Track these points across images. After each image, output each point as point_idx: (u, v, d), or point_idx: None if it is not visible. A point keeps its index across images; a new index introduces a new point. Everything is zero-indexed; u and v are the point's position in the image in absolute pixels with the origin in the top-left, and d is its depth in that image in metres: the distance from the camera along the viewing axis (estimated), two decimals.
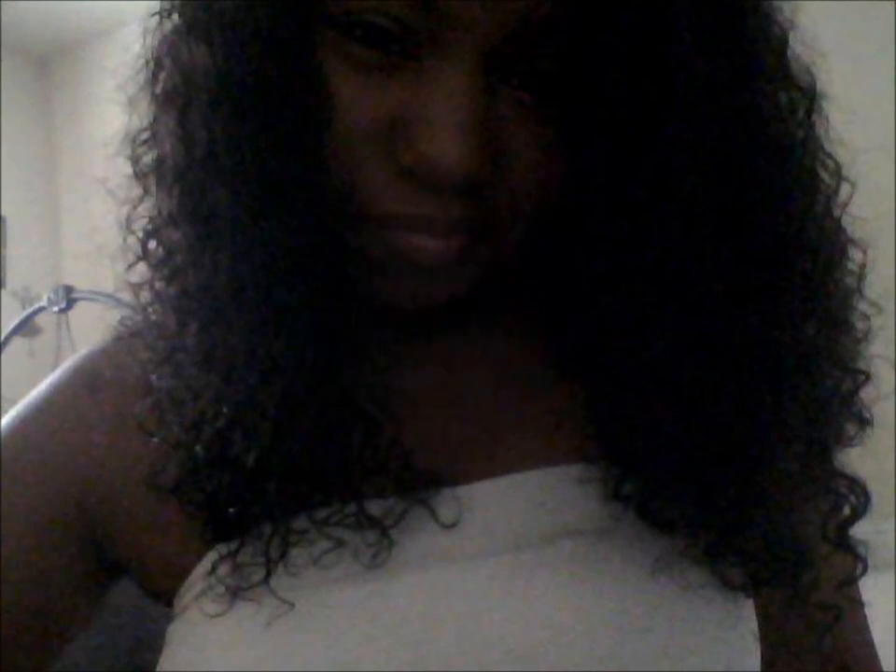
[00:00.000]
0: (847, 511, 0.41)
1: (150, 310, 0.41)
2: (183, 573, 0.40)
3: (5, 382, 2.03)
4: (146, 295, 0.40)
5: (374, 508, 0.38)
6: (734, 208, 0.34)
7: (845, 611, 0.43)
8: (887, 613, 1.19)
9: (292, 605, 0.36)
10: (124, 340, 0.44)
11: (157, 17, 0.37)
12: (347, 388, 0.37)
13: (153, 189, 0.38)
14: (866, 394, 0.40)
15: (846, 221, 0.38)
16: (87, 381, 0.44)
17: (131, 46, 0.38)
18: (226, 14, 0.33)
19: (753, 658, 0.39)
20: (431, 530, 0.38)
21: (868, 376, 0.40)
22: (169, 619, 0.41)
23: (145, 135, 0.38)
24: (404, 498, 0.38)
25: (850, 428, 0.40)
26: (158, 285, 0.39)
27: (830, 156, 0.38)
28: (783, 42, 0.36)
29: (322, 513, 0.38)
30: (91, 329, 0.51)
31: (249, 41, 0.33)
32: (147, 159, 0.38)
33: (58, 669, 0.44)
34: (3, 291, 4.04)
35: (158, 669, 0.40)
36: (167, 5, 0.37)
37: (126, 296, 0.41)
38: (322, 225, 0.34)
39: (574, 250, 0.38)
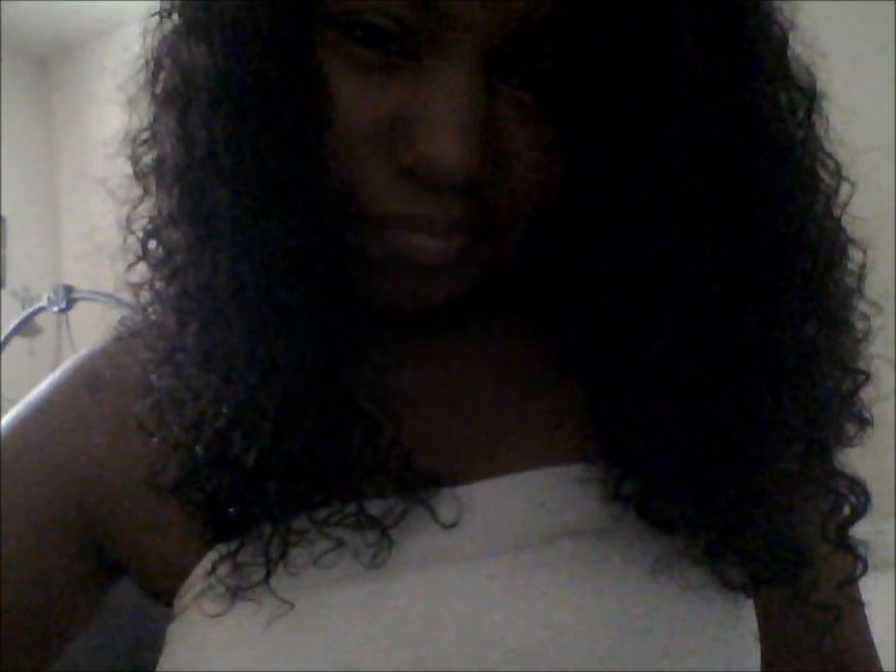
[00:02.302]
0: (847, 511, 0.41)
1: (150, 310, 0.41)
2: (183, 573, 0.40)
3: (5, 382, 2.03)
4: (146, 295, 0.40)
5: (374, 508, 0.38)
6: (734, 208, 0.34)
7: (845, 611, 0.43)
8: (887, 613, 1.19)
9: (292, 605, 0.36)
10: (124, 340, 0.44)
11: (157, 17, 0.37)
12: (347, 388, 0.37)
13: (153, 189, 0.38)
14: (866, 394, 0.40)
15: (846, 221, 0.38)
16: (87, 381, 0.44)
17: (131, 46, 0.38)
18: (226, 14, 0.33)
19: (753, 658, 0.39)
20: (431, 530, 0.38)
21: (868, 376, 0.40)
22: (169, 619, 0.41)
23: (145, 135, 0.38)
24: (404, 498, 0.38)
25: (850, 428, 0.40)
26: (158, 285, 0.39)
27: (830, 156, 0.38)
28: (783, 42, 0.36)
29: (322, 513, 0.38)
30: (91, 329, 0.51)
31: (249, 41, 0.33)
32: (147, 159, 0.38)
33: (58, 669, 0.44)
34: (3, 291, 4.04)
35: (158, 669, 0.40)
36: (167, 5, 0.37)
37: (126, 296, 0.41)
38: (322, 225, 0.34)
39: (574, 250, 0.38)
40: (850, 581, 0.44)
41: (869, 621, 0.48)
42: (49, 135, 4.40)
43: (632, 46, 0.32)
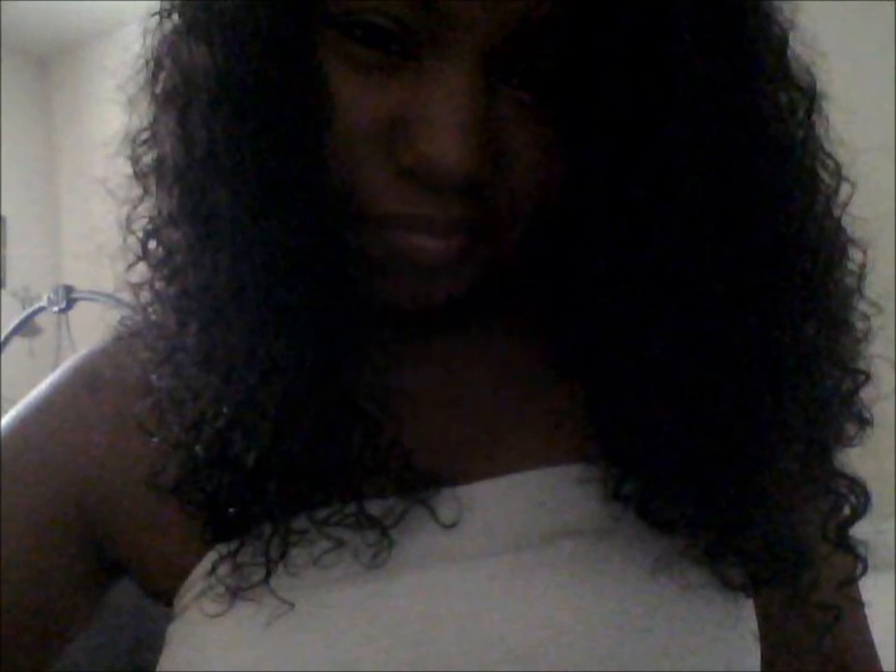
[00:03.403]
0: (847, 511, 0.41)
1: (150, 310, 0.41)
2: (183, 573, 0.40)
3: (5, 382, 2.03)
4: (146, 295, 0.40)
5: (374, 508, 0.38)
6: (734, 208, 0.34)
7: (845, 611, 0.43)
8: (887, 613, 1.19)
9: (292, 605, 0.36)
10: (124, 340, 0.44)
11: (157, 17, 0.37)
12: (347, 388, 0.37)
13: (153, 189, 0.38)
14: (866, 394, 0.40)
15: (846, 221, 0.38)
16: (87, 381, 0.44)
17: (131, 46, 0.38)
18: (226, 14, 0.33)
19: (753, 658, 0.39)
20: (431, 530, 0.38)
21: (868, 376, 0.40)
22: (169, 619, 0.41)
23: (145, 135, 0.38)
24: (404, 498, 0.38)
25: (850, 428, 0.40)
26: (158, 285, 0.39)
27: (830, 156, 0.38)
28: (783, 42, 0.36)
29: (322, 513, 0.38)
30: (91, 329, 0.51)
31: (249, 41, 0.33)
32: (147, 159, 0.38)
33: (58, 669, 0.44)
34: (3, 291, 4.04)
35: (158, 669, 0.40)
36: (167, 5, 0.37)
37: (126, 296, 0.41)
38: (322, 225, 0.34)
39: (574, 250, 0.38)
40: (850, 581, 0.44)
41: (869, 621, 0.48)
42: (49, 135, 4.39)
43: (632, 46, 0.32)
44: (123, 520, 0.42)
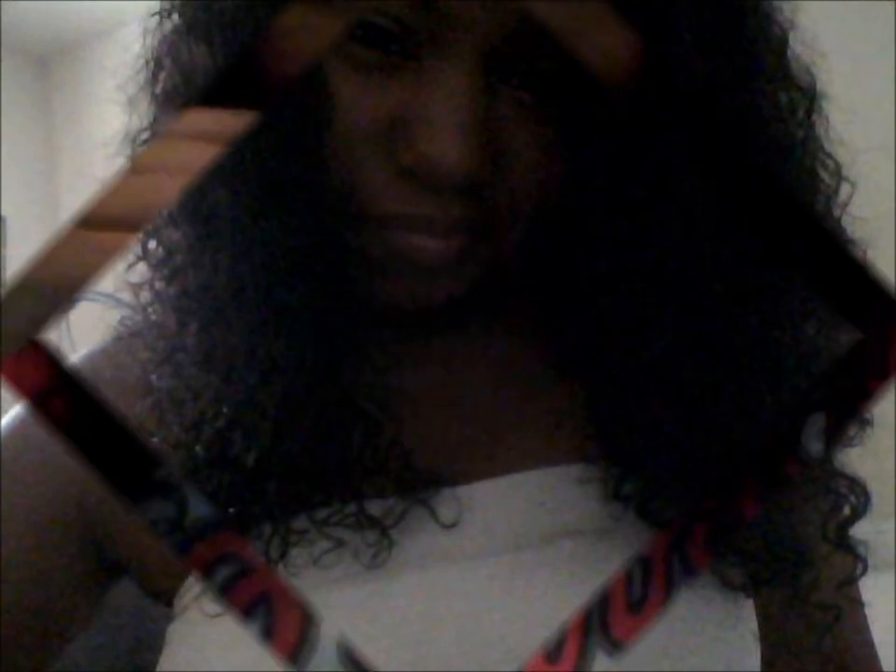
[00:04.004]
0: (847, 511, 0.41)
1: (150, 310, 0.41)
2: (183, 573, 0.40)
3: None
4: (146, 295, 0.40)
5: (374, 508, 0.38)
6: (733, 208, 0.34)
7: (845, 611, 0.43)
8: (887, 613, 1.19)
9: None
10: (124, 340, 0.44)
11: (157, 17, 0.37)
12: (347, 388, 0.37)
13: None
14: None
15: (846, 221, 0.38)
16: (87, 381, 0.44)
17: (131, 46, 0.38)
18: (226, 14, 0.33)
19: (753, 658, 0.39)
20: (431, 530, 0.38)
21: None
22: (169, 619, 0.41)
23: (145, 135, 0.38)
24: (404, 498, 0.38)
25: (850, 428, 0.40)
26: (158, 285, 0.39)
27: (830, 156, 0.38)
28: (783, 42, 0.36)
29: (322, 513, 0.38)
30: (91, 329, 0.51)
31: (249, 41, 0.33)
32: None
33: (58, 669, 0.44)
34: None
35: (158, 669, 0.40)
36: (167, 5, 0.37)
37: (126, 296, 0.41)
38: (322, 225, 0.34)
39: (574, 250, 0.38)
40: (850, 581, 0.43)
41: (869, 621, 0.48)
42: (49, 135, 4.39)
43: None
44: (123, 520, 0.42)
